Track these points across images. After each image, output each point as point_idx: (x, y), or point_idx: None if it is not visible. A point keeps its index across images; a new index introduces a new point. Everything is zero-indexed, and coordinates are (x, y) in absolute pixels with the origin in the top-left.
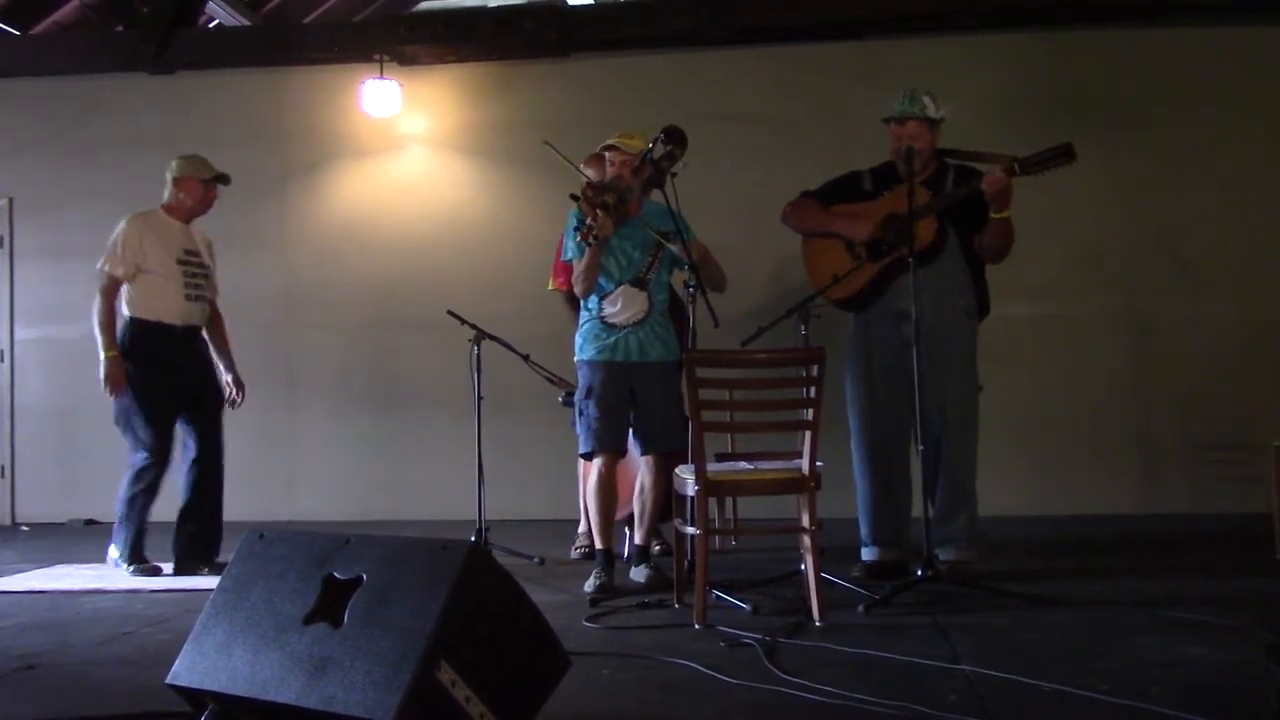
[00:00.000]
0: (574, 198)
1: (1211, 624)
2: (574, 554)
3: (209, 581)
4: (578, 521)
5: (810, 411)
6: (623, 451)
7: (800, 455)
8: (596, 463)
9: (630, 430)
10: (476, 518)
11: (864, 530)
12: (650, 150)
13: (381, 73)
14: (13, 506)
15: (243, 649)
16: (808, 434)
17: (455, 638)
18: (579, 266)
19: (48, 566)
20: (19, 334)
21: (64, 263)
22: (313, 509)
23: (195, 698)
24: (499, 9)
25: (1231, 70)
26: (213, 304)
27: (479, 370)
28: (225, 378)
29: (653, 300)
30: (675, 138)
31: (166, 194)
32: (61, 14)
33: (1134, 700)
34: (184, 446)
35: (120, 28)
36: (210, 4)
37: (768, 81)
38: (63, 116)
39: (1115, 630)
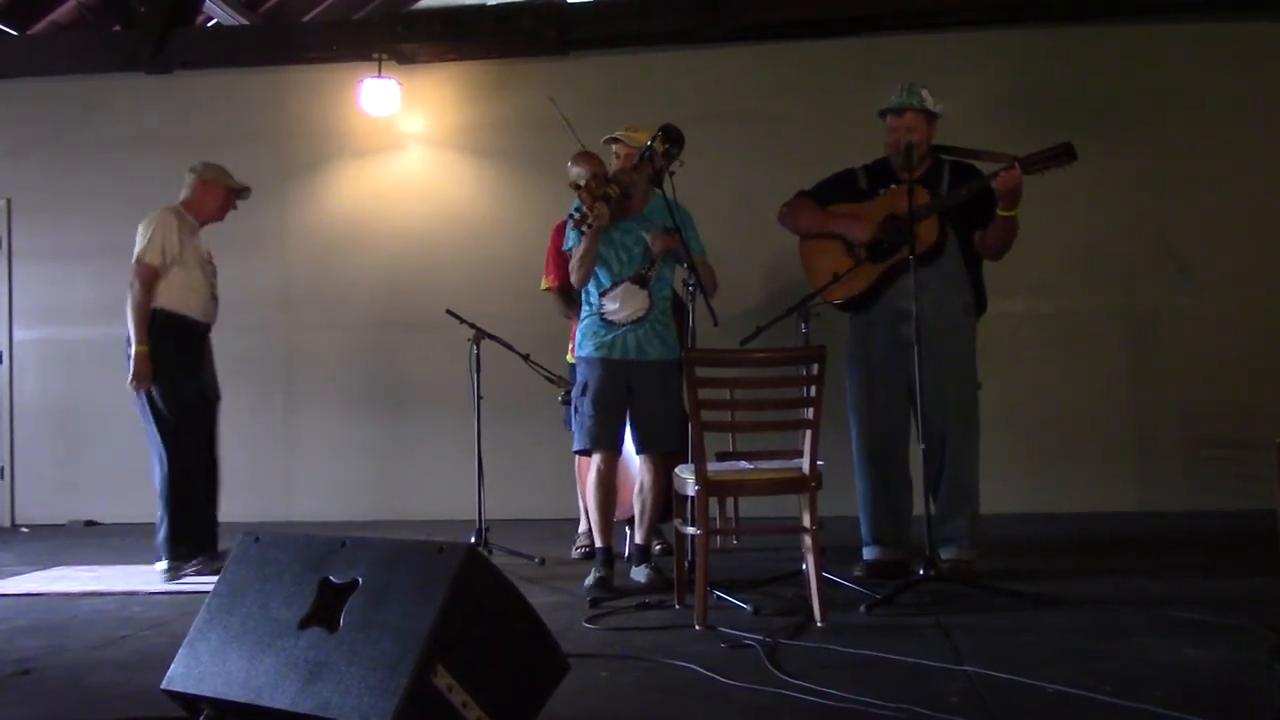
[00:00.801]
0: (576, 188)
1: (1214, 624)
2: (575, 554)
3: (207, 583)
4: (578, 521)
5: (811, 410)
6: (619, 449)
7: (801, 454)
8: (595, 460)
9: (627, 429)
10: (476, 518)
11: (865, 530)
12: (650, 147)
13: (380, 71)
14: (12, 508)
15: (238, 654)
16: (808, 433)
17: (452, 641)
18: (575, 254)
19: (46, 569)
20: (18, 335)
21: (63, 263)
22: (312, 510)
23: (190, 703)
24: (497, 7)
25: (1233, 67)
26: None
27: (478, 370)
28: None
29: (654, 298)
30: (672, 136)
31: (187, 193)
32: (59, 14)
33: (1137, 702)
34: None
35: (117, 27)
36: (208, 3)
37: (766, 79)
38: (61, 117)
39: (1117, 630)
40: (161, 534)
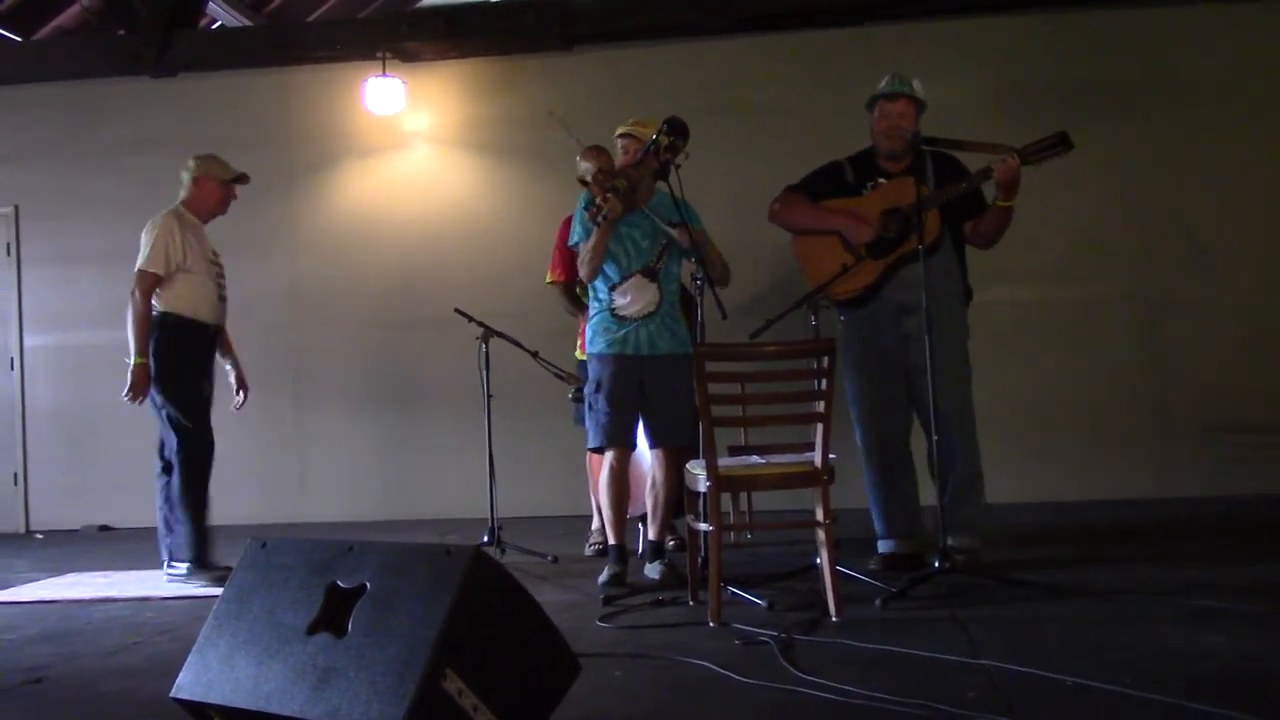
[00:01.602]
0: (584, 182)
1: (1233, 611)
2: (588, 551)
3: (219, 590)
4: (590, 518)
5: (822, 403)
6: (633, 446)
7: (813, 448)
8: (607, 457)
9: (640, 425)
10: (489, 516)
11: (877, 524)
12: (655, 141)
13: (384, 70)
14: (26, 514)
15: (246, 661)
16: (820, 426)
17: (461, 644)
18: (585, 247)
19: (59, 575)
20: (29, 341)
21: (71, 269)
22: (323, 509)
23: (200, 711)
24: (500, 4)
25: (1244, 49)
26: None
27: (487, 367)
28: (230, 378)
29: (663, 291)
30: (677, 129)
31: (185, 192)
32: (63, 19)
33: (1156, 693)
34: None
35: (121, 31)
36: (211, 5)
37: (769, 70)
38: (66, 122)
39: (1135, 620)
40: (182, 537)
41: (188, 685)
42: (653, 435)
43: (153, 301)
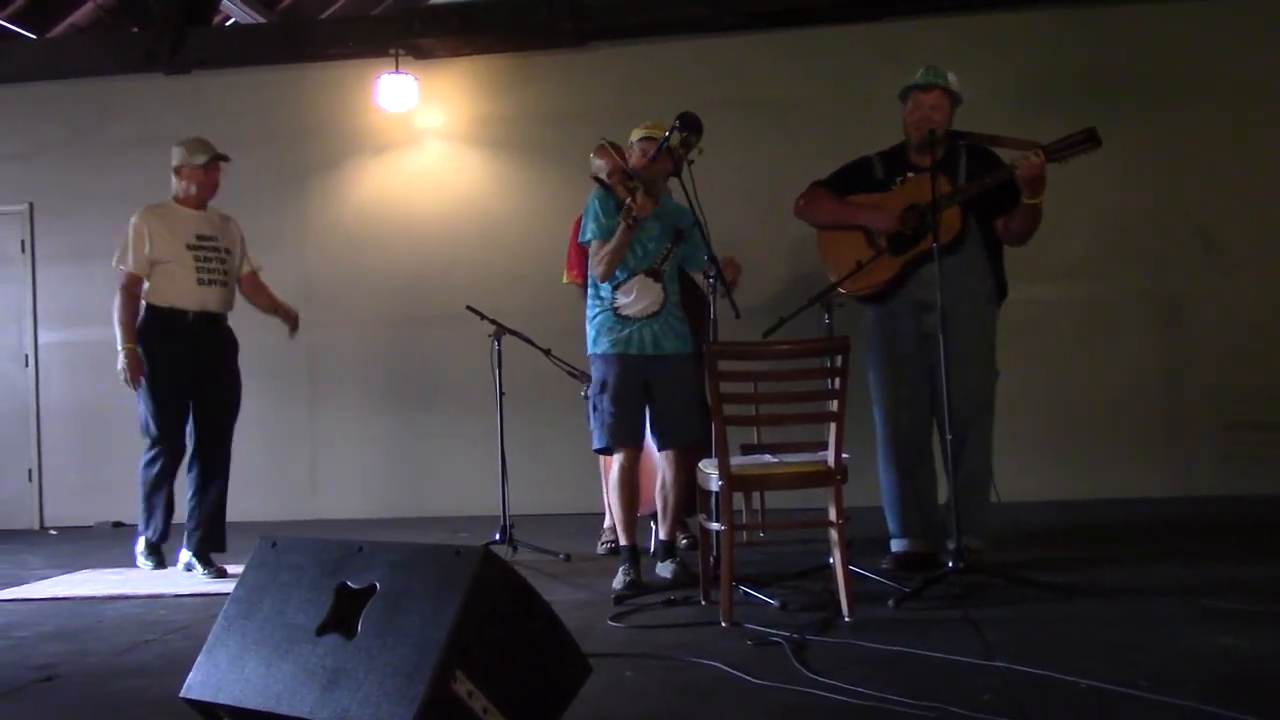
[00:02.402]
0: (597, 180)
1: (1251, 612)
2: (600, 549)
3: (231, 586)
4: (603, 516)
5: (835, 403)
6: (641, 445)
7: (826, 447)
8: (617, 458)
9: (647, 425)
10: (501, 514)
11: (891, 523)
12: (667, 138)
13: (397, 67)
14: (40, 510)
15: (256, 661)
16: (833, 425)
17: (470, 646)
18: (606, 247)
19: (73, 571)
20: (43, 338)
21: (85, 266)
22: (336, 507)
23: (209, 711)
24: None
25: (1263, 45)
26: (252, 275)
27: (500, 365)
28: (281, 312)
29: (667, 292)
30: (691, 124)
31: (173, 184)
32: (77, 16)
33: (1173, 696)
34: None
35: (134, 29)
36: (225, 2)
37: (786, 66)
38: (80, 120)
39: (1151, 621)
40: (140, 532)
41: (197, 685)
42: (661, 436)
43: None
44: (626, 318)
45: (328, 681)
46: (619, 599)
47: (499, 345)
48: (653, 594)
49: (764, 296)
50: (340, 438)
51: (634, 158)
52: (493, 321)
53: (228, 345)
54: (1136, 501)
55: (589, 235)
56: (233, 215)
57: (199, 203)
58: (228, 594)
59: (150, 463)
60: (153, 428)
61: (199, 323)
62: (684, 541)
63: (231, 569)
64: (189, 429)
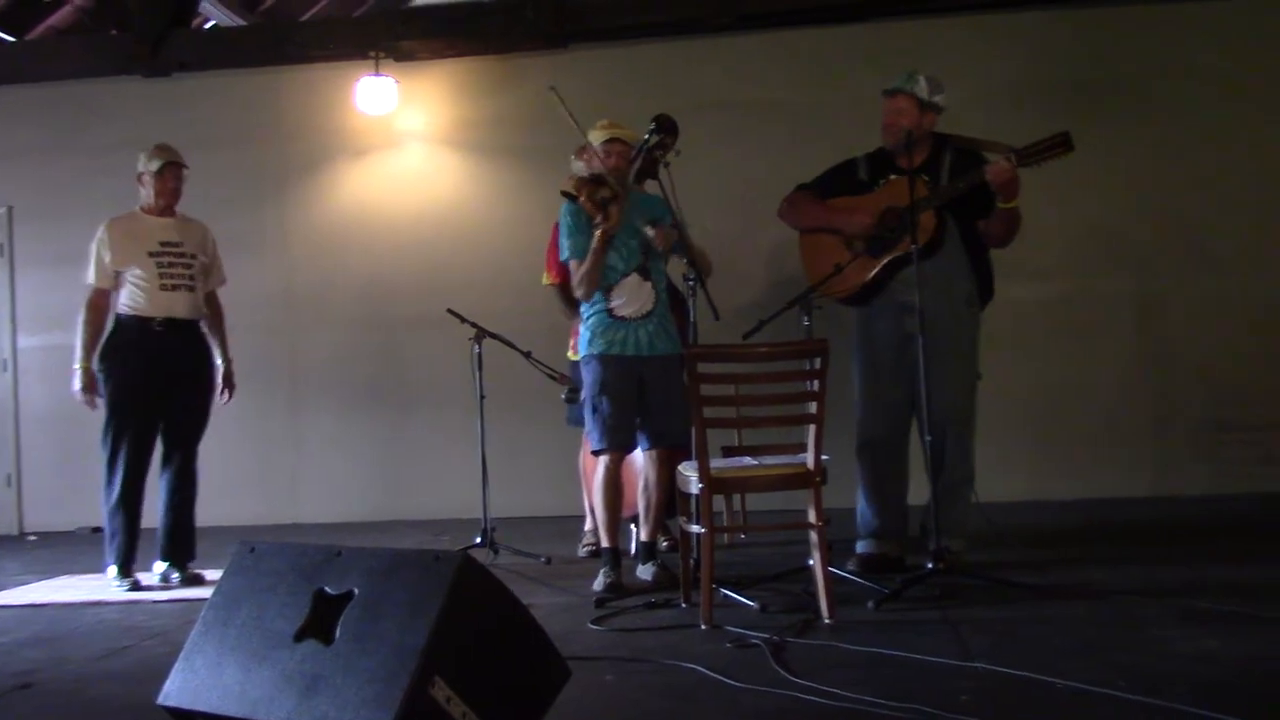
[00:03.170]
0: (566, 195)
1: (1235, 614)
2: (581, 552)
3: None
4: (583, 518)
5: (814, 405)
6: (632, 447)
7: (806, 449)
8: (603, 460)
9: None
10: (482, 516)
11: (860, 521)
12: (646, 141)
13: (377, 70)
14: (20, 515)
15: (234, 667)
16: (812, 427)
17: (449, 652)
18: (582, 268)
19: (52, 577)
20: (21, 342)
21: (64, 269)
22: (317, 511)
23: (187, 718)
24: (496, 1)
25: (1247, 45)
26: (212, 294)
27: (480, 368)
28: (217, 361)
29: (657, 290)
30: (666, 126)
31: (139, 192)
32: (57, 19)
33: (1155, 698)
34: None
35: (114, 31)
36: (204, 4)
37: (770, 67)
38: (60, 122)
39: (1132, 622)
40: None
41: (175, 692)
42: (650, 436)
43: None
44: (621, 319)
45: (306, 688)
46: (600, 602)
47: (479, 348)
48: (633, 597)
49: (744, 299)
50: (321, 441)
51: (599, 161)
52: (473, 325)
53: (198, 351)
54: (1120, 502)
55: (565, 254)
56: (206, 223)
57: (162, 209)
58: (206, 599)
59: (108, 484)
60: (108, 447)
61: (166, 329)
62: (665, 544)
63: (209, 574)
64: (165, 439)
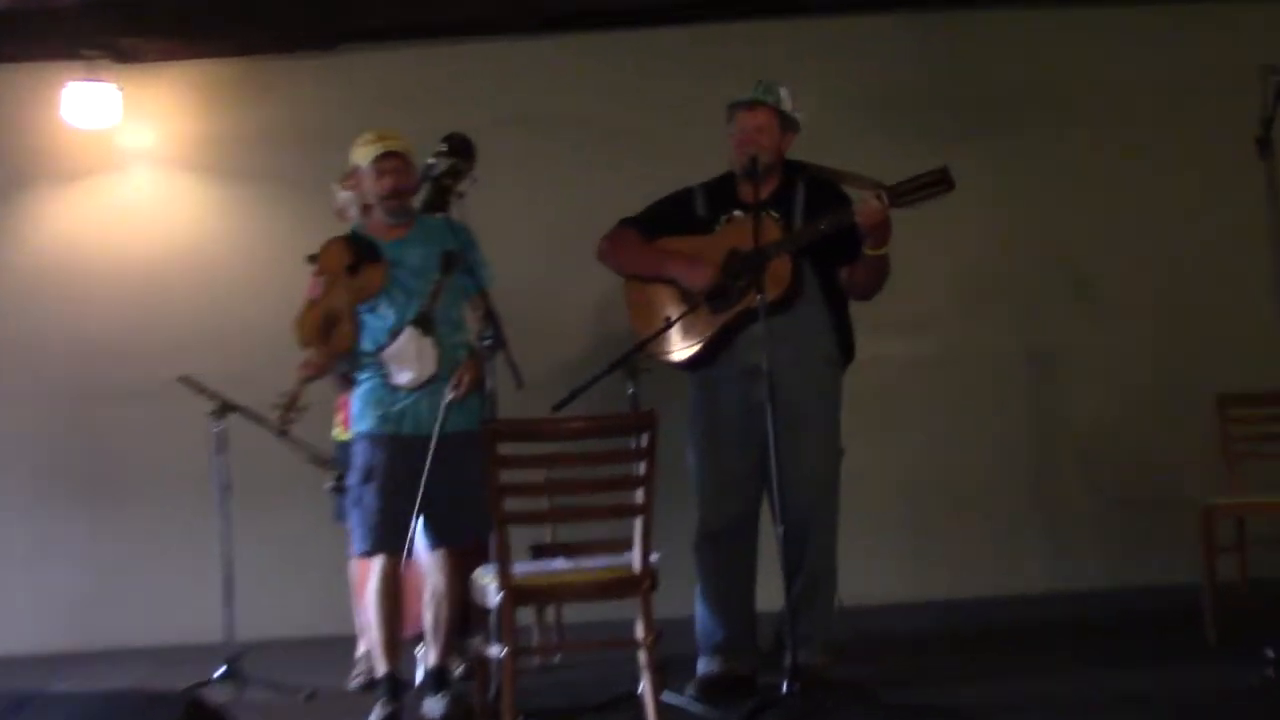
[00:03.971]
0: (312, 260)
1: None
2: (352, 684)
3: None
4: (355, 641)
5: (642, 491)
6: (409, 549)
7: (632, 546)
8: (377, 565)
9: (418, 522)
10: (225, 641)
11: (701, 634)
12: (433, 166)
13: (92, 73)
14: None
15: None
16: (639, 520)
17: None
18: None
19: None
20: None
21: None
22: (10, 640)
23: None
24: None
25: (1147, 57)
26: None
27: (223, 452)
28: None
29: (443, 348)
30: (460, 148)
31: None
32: None
33: None
34: None
35: None
36: None
37: (587, 78)
38: None
39: None
40: None
41: None
42: (435, 535)
43: None
44: (398, 387)
45: None
46: None
47: (221, 425)
48: None
49: (555, 361)
50: (15, 547)
51: (370, 183)
52: (213, 395)
53: None
54: (1007, 600)
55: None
56: None
57: None
58: None
59: None
60: None
61: None
62: (459, 670)
63: None
64: None
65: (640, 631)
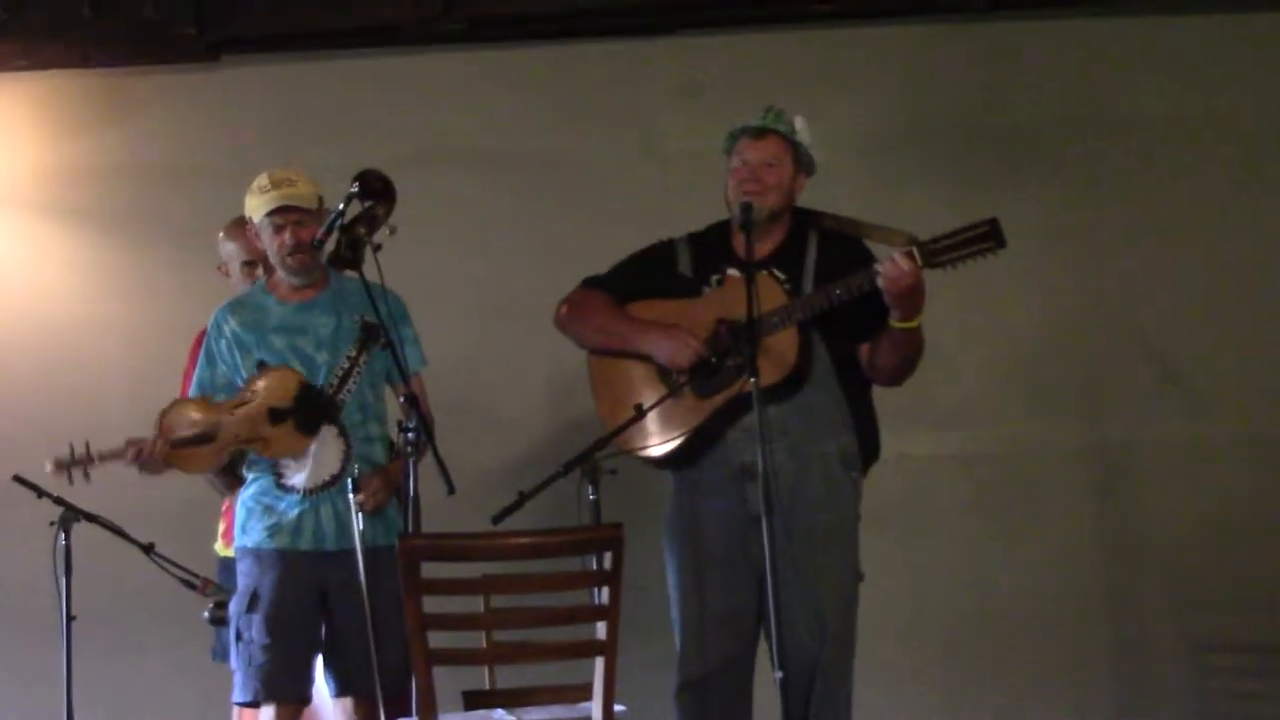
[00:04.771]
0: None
1: None
2: None
3: None
4: None
5: (604, 626)
6: (307, 697)
7: (590, 694)
8: (265, 716)
9: (319, 663)
10: None
11: None
12: (340, 213)
13: None
14: None
15: None
16: (601, 661)
17: None
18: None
19: None
20: None
21: None
22: None
23: None
24: None
25: (1244, 78)
26: None
27: (68, 571)
28: None
29: (351, 441)
30: (375, 188)
31: None
32: None
33: None
34: None
35: None
36: None
37: (529, 98)
38: None
39: None
40: None
41: None
42: (338, 678)
43: None
44: (291, 489)
45: None
46: None
47: (67, 538)
48: None
49: (496, 459)
50: None
51: (267, 239)
52: (57, 500)
53: None
54: None
55: (193, 393)
56: None
57: None
58: None
59: None
60: None
61: None
62: None
63: None
64: None
65: None
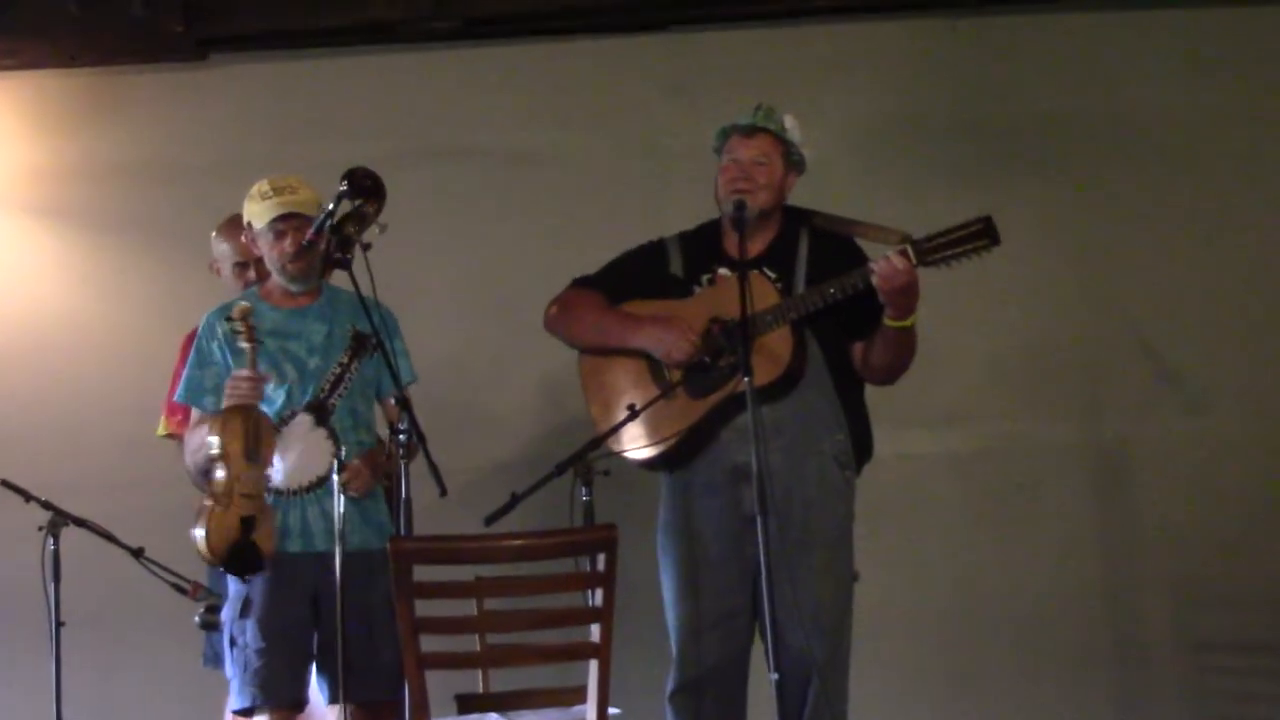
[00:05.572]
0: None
1: None
2: None
3: None
4: None
5: (597, 628)
6: (302, 702)
7: (585, 697)
8: None
9: (313, 668)
10: None
11: None
12: (329, 214)
13: None
14: None
15: None
16: (594, 664)
17: None
18: (197, 436)
19: None
20: None
21: None
22: None
23: None
24: None
25: (1244, 73)
26: None
27: (57, 577)
28: None
29: (341, 445)
30: (364, 186)
31: None
32: None
33: None
34: None
35: None
36: None
37: (520, 96)
38: None
39: None
40: None
41: None
42: (330, 683)
43: None
44: (281, 493)
45: None
46: None
47: (55, 543)
48: None
49: (488, 460)
50: None
51: (267, 246)
52: (45, 504)
53: None
54: None
55: (180, 393)
56: None
57: None
58: None
59: None
60: None
61: None
62: None
63: None
64: None
65: None
